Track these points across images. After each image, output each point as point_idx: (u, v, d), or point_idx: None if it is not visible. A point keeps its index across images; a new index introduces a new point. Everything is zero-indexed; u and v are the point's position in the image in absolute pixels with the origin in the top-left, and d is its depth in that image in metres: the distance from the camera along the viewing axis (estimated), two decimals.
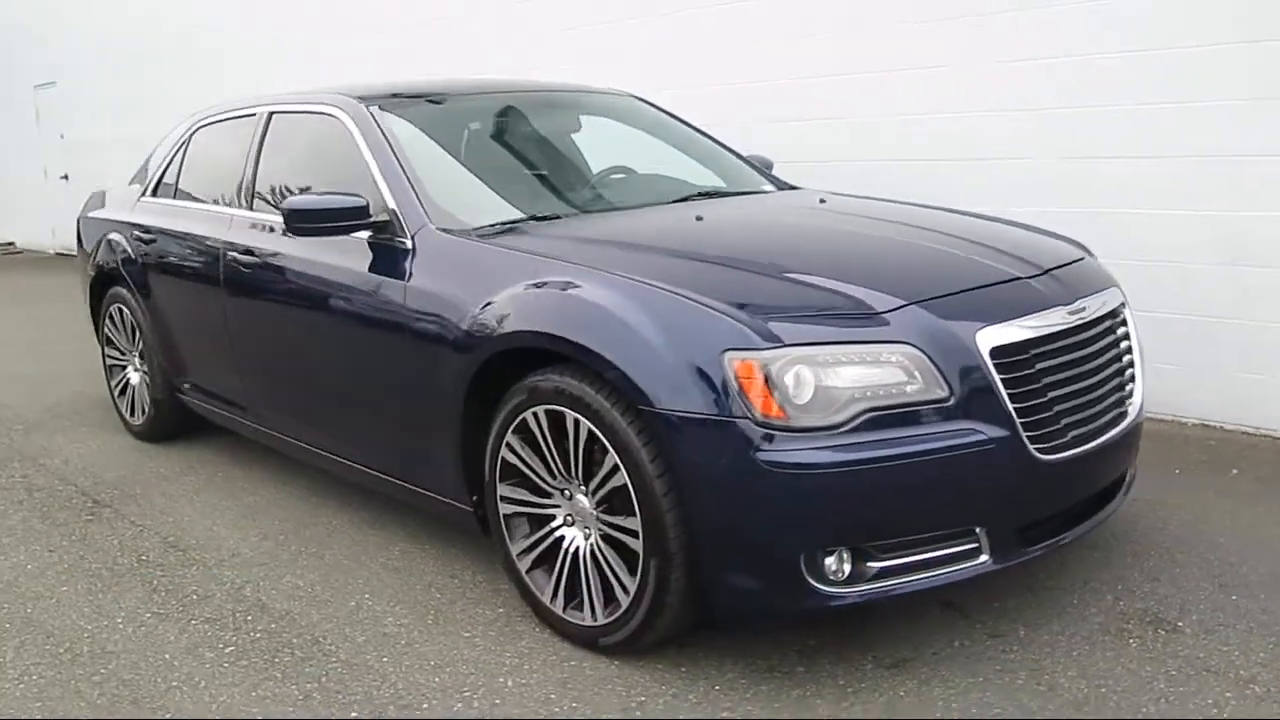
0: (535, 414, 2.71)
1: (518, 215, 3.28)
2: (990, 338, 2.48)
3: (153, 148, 5.01)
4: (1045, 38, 4.45)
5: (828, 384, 2.35)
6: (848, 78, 5.14)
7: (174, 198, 4.52)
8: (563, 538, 2.78)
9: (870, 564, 2.41)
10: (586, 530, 2.72)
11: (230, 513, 3.91)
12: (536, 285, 2.73)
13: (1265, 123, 3.95)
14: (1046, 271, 2.80)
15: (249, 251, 3.76)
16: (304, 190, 3.69)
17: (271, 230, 3.71)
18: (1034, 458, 2.49)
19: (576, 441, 2.63)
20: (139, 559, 3.53)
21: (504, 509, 2.89)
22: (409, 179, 3.29)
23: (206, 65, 9.82)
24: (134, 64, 10.96)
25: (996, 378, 2.45)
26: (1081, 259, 3.02)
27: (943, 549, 2.46)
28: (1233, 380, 4.18)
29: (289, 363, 3.71)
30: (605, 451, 2.55)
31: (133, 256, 4.59)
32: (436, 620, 2.98)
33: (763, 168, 4.21)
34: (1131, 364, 2.91)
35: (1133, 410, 2.85)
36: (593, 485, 2.64)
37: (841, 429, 2.34)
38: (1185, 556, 3.12)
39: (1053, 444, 2.54)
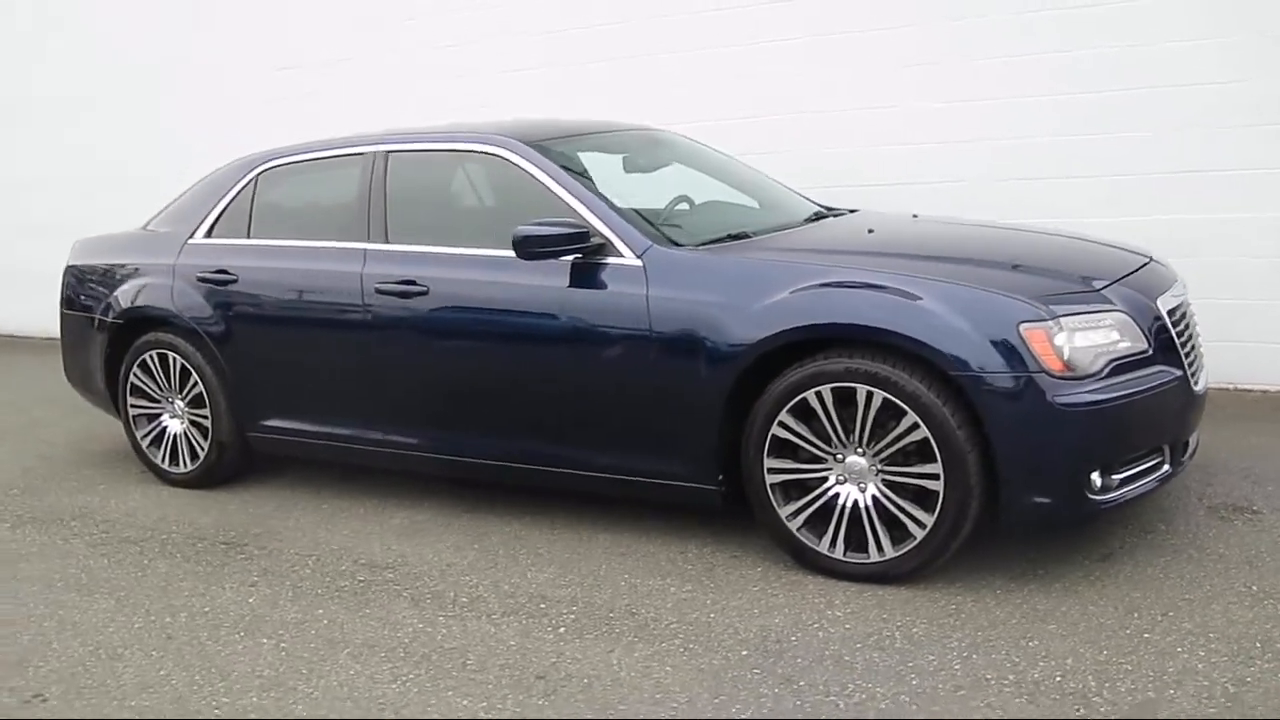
0: (819, 393, 3.28)
1: (720, 233, 3.80)
2: (1164, 303, 3.39)
3: (179, 193, 4.93)
4: (1007, 84, 5.53)
5: (1083, 344, 3.15)
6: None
7: (249, 237, 4.55)
8: (837, 495, 3.36)
9: (1114, 477, 3.22)
10: (862, 485, 3.32)
11: (390, 535, 4.06)
12: (822, 285, 3.31)
13: (1166, 150, 5.24)
14: (1152, 258, 3.76)
15: (408, 282, 3.98)
16: (467, 221, 4.04)
17: (436, 260, 3.98)
18: (1193, 389, 3.41)
19: (866, 410, 3.24)
20: (356, 580, 3.65)
21: (771, 479, 3.42)
22: (613, 207, 3.73)
23: None
24: None
25: (1173, 331, 3.36)
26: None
27: (1147, 462, 3.33)
28: None
29: (468, 383, 3.96)
30: (900, 415, 3.18)
31: (196, 297, 4.54)
32: (715, 585, 3.43)
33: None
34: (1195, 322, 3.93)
35: (1206, 361, 3.86)
36: (879, 445, 3.25)
37: (1100, 376, 3.13)
38: (1213, 467, 4.18)
39: (1196, 380, 3.47)
